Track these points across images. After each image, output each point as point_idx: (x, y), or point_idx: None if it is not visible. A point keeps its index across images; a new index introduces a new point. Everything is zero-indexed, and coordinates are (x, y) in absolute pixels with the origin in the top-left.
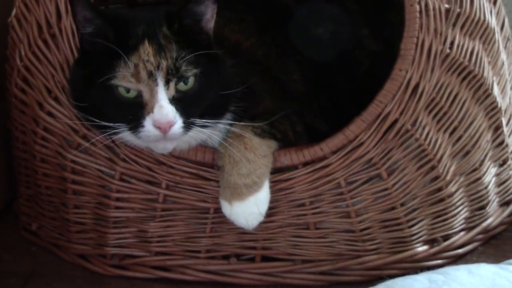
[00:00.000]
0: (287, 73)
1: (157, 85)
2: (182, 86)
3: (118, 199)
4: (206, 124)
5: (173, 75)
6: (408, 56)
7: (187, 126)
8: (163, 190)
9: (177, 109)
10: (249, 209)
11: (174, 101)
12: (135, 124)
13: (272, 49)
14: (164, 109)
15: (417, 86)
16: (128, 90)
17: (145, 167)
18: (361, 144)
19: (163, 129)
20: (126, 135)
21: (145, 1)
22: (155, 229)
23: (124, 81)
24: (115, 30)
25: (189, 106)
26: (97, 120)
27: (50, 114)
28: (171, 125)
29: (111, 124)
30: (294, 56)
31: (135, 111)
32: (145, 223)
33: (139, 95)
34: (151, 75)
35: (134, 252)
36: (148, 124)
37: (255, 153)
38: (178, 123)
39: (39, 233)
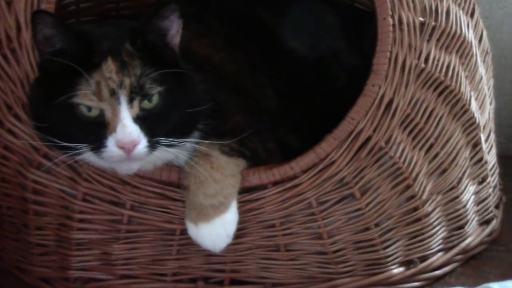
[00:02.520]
0: (259, 88)
1: (119, 103)
2: (146, 104)
3: (81, 220)
4: (172, 143)
5: (136, 93)
6: (381, 71)
7: (152, 145)
8: (127, 211)
9: (141, 128)
10: (216, 231)
11: (138, 120)
12: (98, 144)
13: (243, 64)
14: (127, 129)
15: (390, 102)
16: (89, 109)
17: (108, 187)
18: (333, 162)
19: (127, 149)
20: (88, 156)
21: (119, 13)
22: (119, 252)
23: (85, 99)
24: (78, 48)
25: (154, 125)
26: (57, 141)
27: (10, 131)
28: (135, 144)
29: (72, 145)
30: (267, 71)
31: (97, 131)
32: (109, 245)
33: (101, 114)
34: (113, 93)
35: (98, 276)
36: (111, 144)
37: (222, 173)
38: (143, 142)
39: (1, 255)
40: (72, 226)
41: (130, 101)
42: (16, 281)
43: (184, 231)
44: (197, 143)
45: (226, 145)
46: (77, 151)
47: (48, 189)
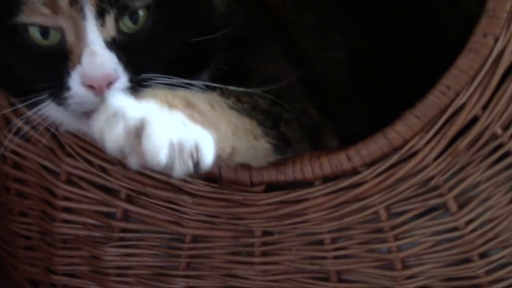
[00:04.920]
0: (325, 49)
1: (84, 18)
2: (127, 24)
3: (65, 209)
4: (169, 82)
5: (110, 4)
6: (499, 13)
7: (136, 86)
8: (122, 202)
9: (119, 58)
10: None
11: (114, 46)
12: (58, 87)
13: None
14: (97, 57)
15: None
16: (44, 33)
17: (98, 167)
18: (414, 154)
19: (98, 88)
20: (50, 109)
21: None
22: (111, 257)
23: (34, 14)
24: None
25: (139, 56)
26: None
27: None
28: (109, 81)
29: (25, 92)
30: (342, 23)
31: (57, 67)
32: (99, 246)
33: (62, 39)
34: (74, 1)
35: (87, 286)
36: (74, 83)
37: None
38: (121, 80)
39: None
40: (55, 216)
41: (101, 15)
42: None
43: (197, 238)
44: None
45: (246, 100)
46: (34, 100)
47: (28, 163)
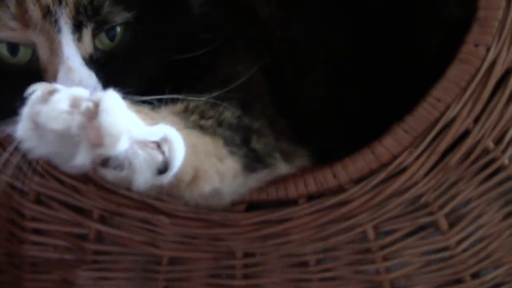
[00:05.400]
0: (306, 67)
1: (59, 31)
2: (104, 41)
3: (34, 231)
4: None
5: (88, 17)
6: (491, 22)
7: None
8: (95, 223)
9: (97, 75)
10: None
11: (92, 62)
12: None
13: (295, 22)
14: (74, 74)
15: (507, 73)
16: (13, 50)
17: (69, 186)
18: (403, 170)
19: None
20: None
21: None
22: (84, 281)
23: (2, 30)
24: None
25: (117, 73)
26: None
27: None
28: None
29: None
30: (326, 41)
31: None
32: (71, 270)
33: (33, 56)
34: (48, 13)
35: None
36: None
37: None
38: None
39: None
40: (23, 237)
41: (78, 29)
42: None
43: (174, 261)
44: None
45: (213, 110)
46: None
47: None
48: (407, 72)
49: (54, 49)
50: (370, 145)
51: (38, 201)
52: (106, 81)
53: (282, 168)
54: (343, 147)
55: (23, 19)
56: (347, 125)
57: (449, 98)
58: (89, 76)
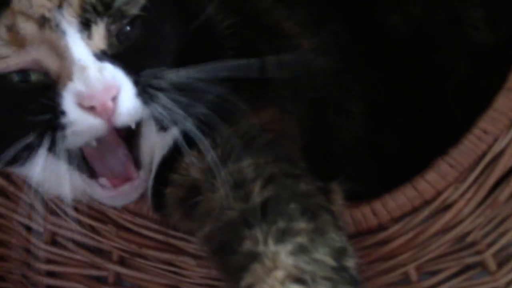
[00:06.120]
0: (341, 101)
1: (63, 34)
2: (115, 43)
3: (49, 274)
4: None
5: (97, 12)
6: None
7: (145, 89)
8: (114, 265)
9: (115, 64)
10: None
11: (106, 56)
12: (48, 122)
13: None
14: (90, 70)
15: None
16: (24, 75)
17: (86, 225)
18: (448, 207)
19: (100, 106)
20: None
21: None
22: None
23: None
24: None
25: (137, 54)
26: None
27: None
28: (112, 93)
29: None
30: (359, 72)
31: (43, 99)
32: None
33: (45, 73)
34: (45, 22)
35: None
36: (69, 105)
37: None
38: (126, 87)
39: None
40: (37, 281)
41: (86, 27)
42: None
43: None
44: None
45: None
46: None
47: (6, 221)
48: (436, 103)
49: (62, 53)
50: (411, 180)
51: (53, 242)
52: (128, 64)
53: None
54: (374, 189)
55: (17, 41)
56: (380, 166)
57: (497, 129)
58: (106, 67)
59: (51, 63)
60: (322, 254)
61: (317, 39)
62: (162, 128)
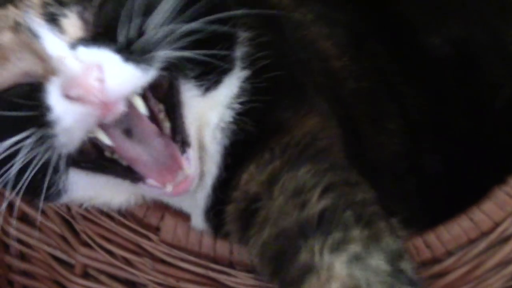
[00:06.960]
0: (378, 118)
1: (36, 35)
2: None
3: None
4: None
5: (62, 4)
6: None
7: (134, 52)
8: None
9: (95, 40)
10: None
11: (82, 42)
12: (38, 122)
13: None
14: (66, 60)
15: None
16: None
17: (120, 258)
18: (507, 239)
19: (87, 90)
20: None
21: None
22: None
23: None
24: None
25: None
26: None
27: None
28: (97, 72)
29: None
30: (397, 92)
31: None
32: None
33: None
34: (18, 27)
35: None
36: (55, 99)
37: None
38: (110, 58)
39: None
40: None
41: (53, 21)
42: None
43: None
44: None
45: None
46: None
47: (35, 253)
48: (483, 123)
49: (41, 55)
50: (466, 211)
51: (85, 274)
52: (109, 31)
53: None
54: (414, 209)
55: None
56: (421, 183)
57: None
58: (85, 50)
59: (36, 68)
60: (377, 260)
61: (353, 61)
62: (208, 87)
